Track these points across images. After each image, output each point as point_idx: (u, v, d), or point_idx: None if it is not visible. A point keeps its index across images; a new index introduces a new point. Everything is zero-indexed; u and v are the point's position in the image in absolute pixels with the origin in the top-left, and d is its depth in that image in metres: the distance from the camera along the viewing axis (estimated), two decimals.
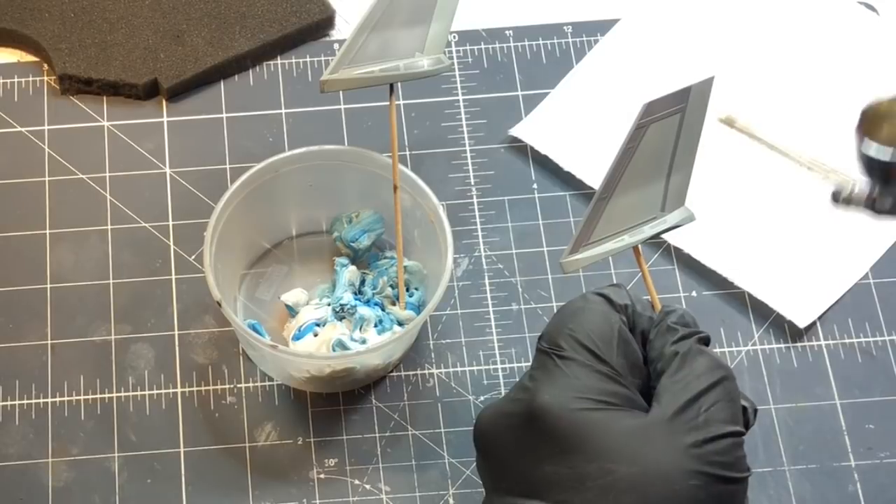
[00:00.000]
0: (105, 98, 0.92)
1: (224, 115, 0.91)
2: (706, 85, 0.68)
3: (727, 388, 0.67)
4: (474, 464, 0.78)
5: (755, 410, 0.70)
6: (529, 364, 0.75)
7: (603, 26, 0.94)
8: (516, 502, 0.66)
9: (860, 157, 0.67)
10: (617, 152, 0.68)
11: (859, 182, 0.68)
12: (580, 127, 0.90)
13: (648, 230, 0.71)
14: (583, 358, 0.67)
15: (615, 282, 0.70)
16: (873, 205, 0.68)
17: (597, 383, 0.66)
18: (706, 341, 0.69)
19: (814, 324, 0.85)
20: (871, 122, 0.66)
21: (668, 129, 0.68)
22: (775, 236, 0.87)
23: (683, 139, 0.69)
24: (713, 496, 0.65)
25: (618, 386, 0.67)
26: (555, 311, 0.84)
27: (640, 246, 0.71)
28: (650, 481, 0.64)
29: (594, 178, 0.89)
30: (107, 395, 0.82)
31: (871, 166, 0.67)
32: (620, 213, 0.69)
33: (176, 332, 0.84)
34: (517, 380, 0.81)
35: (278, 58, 0.93)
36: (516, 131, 0.90)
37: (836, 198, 0.69)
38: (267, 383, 0.83)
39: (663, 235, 0.86)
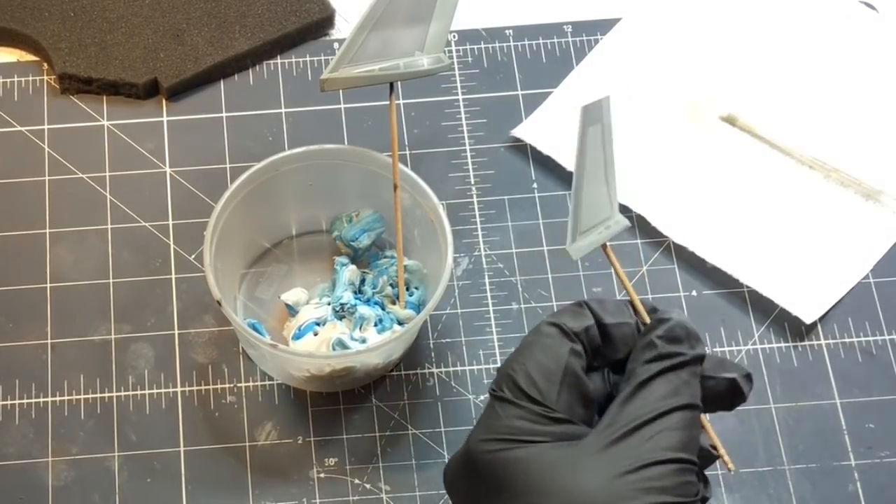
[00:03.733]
0: (105, 97, 0.92)
1: (224, 114, 0.91)
2: (605, 101, 0.68)
3: (682, 417, 0.64)
4: None
5: (746, 375, 0.67)
6: None
7: (603, 26, 0.94)
8: None
9: None
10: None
11: None
12: None
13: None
14: (517, 399, 0.65)
15: (579, 300, 0.69)
16: None
17: (527, 424, 0.65)
18: (692, 362, 0.66)
19: (814, 323, 0.84)
20: None
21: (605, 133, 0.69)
22: (778, 234, 0.87)
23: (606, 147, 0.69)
24: None
25: (552, 424, 0.65)
26: (555, 310, 0.84)
27: (608, 246, 0.70)
28: None
29: None
30: (107, 395, 0.82)
31: None
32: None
33: (176, 332, 0.84)
34: None
35: (278, 57, 0.93)
36: (518, 132, 0.90)
37: None
38: (267, 382, 0.83)
39: (667, 234, 0.87)
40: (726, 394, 0.67)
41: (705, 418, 0.67)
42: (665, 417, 0.64)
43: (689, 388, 0.65)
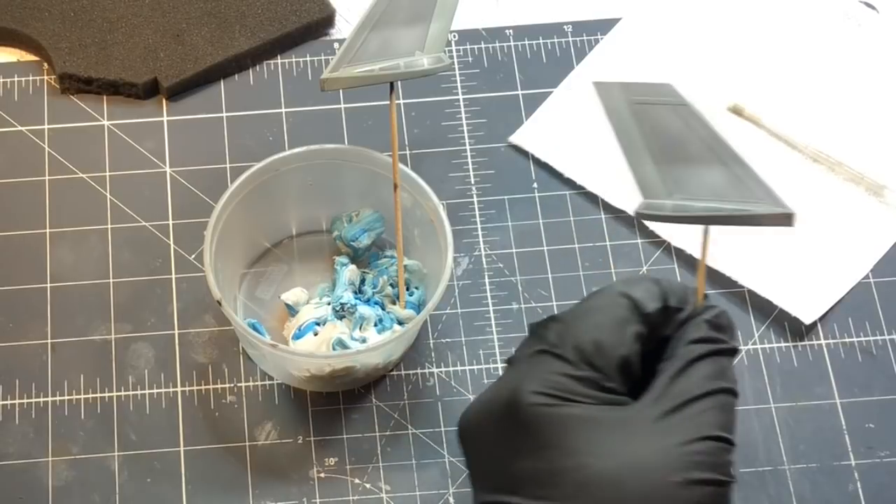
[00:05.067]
0: (105, 97, 0.92)
1: (224, 114, 0.91)
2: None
3: (723, 400, 0.65)
4: None
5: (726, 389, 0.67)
6: None
7: (603, 26, 0.94)
8: (497, 499, 0.65)
9: None
10: None
11: None
12: (580, 131, 0.90)
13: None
14: (577, 360, 0.65)
15: (651, 277, 0.68)
16: None
17: (580, 386, 0.65)
18: (730, 352, 0.67)
19: (814, 323, 0.84)
20: None
21: None
22: (779, 232, 0.87)
23: None
24: (693, 496, 0.63)
25: (602, 392, 0.65)
26: (555, 310, 0.84)
27: (708, 229, 0.69)
28: (628, 476, 0.63)
29: (595, 182, 0.88)
30: (107, 394, 0.82)
31: None
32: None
33: (176, 332, 0.84)
34: None
35: (278, 57, 0.93)
36: (516, 138, 0.90)
37: None
38: (267, 382, 0.83)
39: (664, 237, 0.87)
40: None
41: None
42: (712, 397, 0.65)
43: (730, 374, 0.67)
